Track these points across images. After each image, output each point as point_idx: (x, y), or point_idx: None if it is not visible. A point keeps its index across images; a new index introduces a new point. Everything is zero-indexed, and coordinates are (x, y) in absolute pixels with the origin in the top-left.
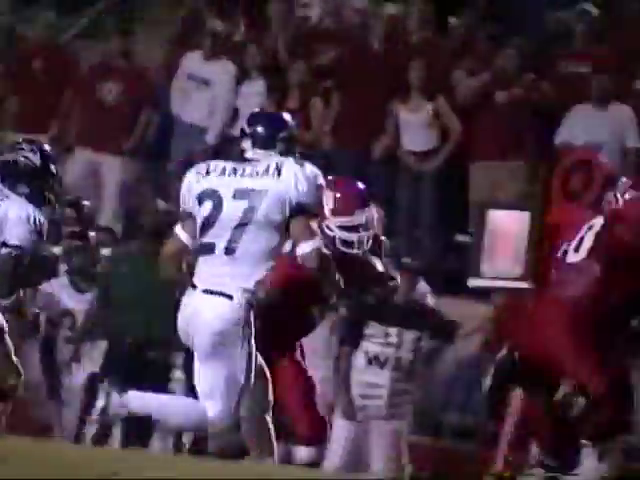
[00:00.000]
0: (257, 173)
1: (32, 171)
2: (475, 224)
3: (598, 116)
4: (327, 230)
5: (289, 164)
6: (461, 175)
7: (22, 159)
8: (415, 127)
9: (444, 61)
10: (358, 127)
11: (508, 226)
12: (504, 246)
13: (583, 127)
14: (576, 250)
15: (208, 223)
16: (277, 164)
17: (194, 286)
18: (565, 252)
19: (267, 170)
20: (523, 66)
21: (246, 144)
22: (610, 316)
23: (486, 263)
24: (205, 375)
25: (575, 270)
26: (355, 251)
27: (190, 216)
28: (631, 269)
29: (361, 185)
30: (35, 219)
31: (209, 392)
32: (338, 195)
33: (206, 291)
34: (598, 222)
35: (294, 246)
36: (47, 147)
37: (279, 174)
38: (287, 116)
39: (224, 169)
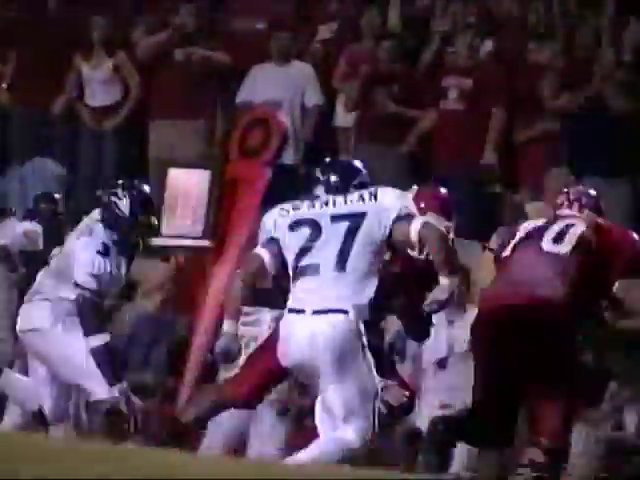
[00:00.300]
0: (351, 201)
1: (119, 219)
2: (155, 183)
3: (278, 74)
4: None
5: (382, 189)
6: (142, 132)
7: (113, 206)
8: (96, 83)
9: (125, 17)
10: (37, 84)
11: (188, 185)
12: (184, 205)
13: (263, 85)
14: (555, 241)
15: (306, 247)
16: (370, 192)
17: (296, 310)
18: (528, 236)
19: (362, 197)
20: (201, 24)
21: (319, 191)
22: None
23: (166, 222)
24: (337, 396)
25: (557, 261)
26: (416, 254)
27: (272, 240)
28: (596, 284)
29: (443, 194)
30: (98, 266)
31: (346, 412)
32: (416, 195)
33: (318, 312)
34: (580, 224)
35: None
36: (145, 192)
37: (375, 199)
38: (359, 164)
39: (313, 204)
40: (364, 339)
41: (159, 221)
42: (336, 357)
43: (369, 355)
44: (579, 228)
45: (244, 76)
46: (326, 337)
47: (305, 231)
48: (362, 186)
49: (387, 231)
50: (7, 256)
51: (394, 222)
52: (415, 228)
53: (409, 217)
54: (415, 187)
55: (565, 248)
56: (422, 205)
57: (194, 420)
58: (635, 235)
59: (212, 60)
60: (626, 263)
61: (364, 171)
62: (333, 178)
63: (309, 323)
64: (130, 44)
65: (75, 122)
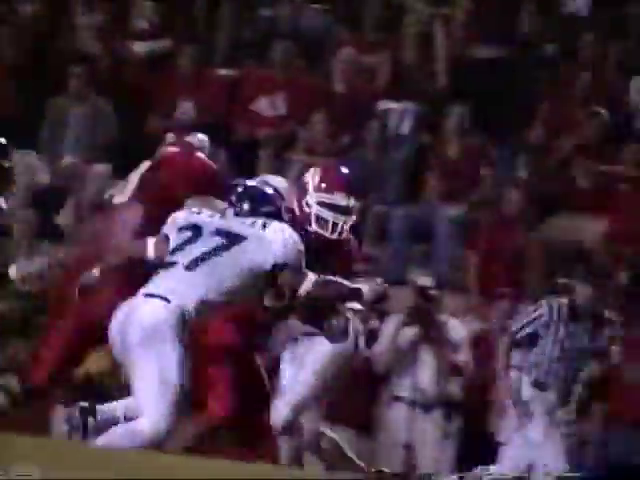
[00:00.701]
0: (243, 223)
1: None
2: None
3: None
4: (305, 207)
5: (276, 224)
6: None
7: None
8: None
9: None
10: None
11: None
12: None
13: None
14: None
15: (179, 248)
16: (264, 222)
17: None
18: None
19: (254, 224)
20: None
21: (229, 212)
22: None
23: None
24: (138, 384)
25: (119, 211)
26: (327, 233)
27: (165, 238)
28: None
29: (348, 172)
30: None
31: (143, 400)
32: (322, 173)
33: (147, 295)
34: (144, 163)
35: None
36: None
37: (264, 229)
38: (270, 191)
39: (213, 214)
40: (181, 333)
41: None
42: (140, 338)
43: (181, 351)
44: (142, 167)
45: None
46: (137, 316)
47: (186, 234)
48: (270, 215)
49: (269, 266)
50: None
51: (279, 267)
52: (307, 287)
53: (294, 268)
54: (315, 168)
55: (127, 194)
56: (324, 185)
57: None
58: None
59: None
60: None
61: (278, 200)
62: (245, 206)
63: (131, 303)
64: None
65: None
